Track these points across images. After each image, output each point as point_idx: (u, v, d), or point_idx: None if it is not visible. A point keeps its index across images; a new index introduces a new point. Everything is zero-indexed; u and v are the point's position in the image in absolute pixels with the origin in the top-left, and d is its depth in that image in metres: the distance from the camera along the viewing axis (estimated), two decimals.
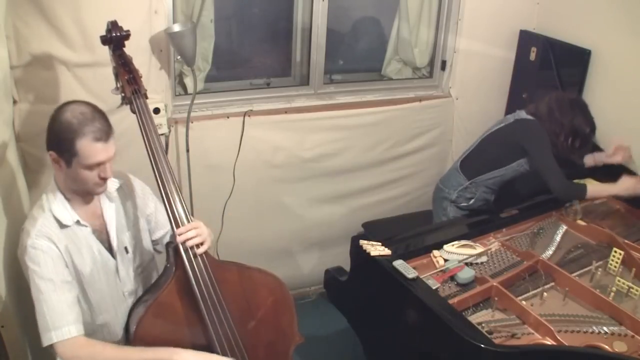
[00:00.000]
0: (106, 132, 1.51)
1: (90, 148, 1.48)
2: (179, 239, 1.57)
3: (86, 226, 1.61)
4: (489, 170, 2.52)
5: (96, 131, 1.49)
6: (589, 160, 2.64)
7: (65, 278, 1.53)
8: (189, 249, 1.58)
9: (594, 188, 2.35)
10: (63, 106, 1.53)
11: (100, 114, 1.53)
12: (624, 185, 2.38)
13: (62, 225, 1.56)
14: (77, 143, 1.48)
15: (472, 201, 2.59)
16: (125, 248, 1.70)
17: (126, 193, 1.74)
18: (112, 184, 1.67)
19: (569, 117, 2.37)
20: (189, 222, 1.61)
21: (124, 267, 1.70)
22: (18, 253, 1.56)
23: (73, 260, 1.58)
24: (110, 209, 1.68)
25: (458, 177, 2.60)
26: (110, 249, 1.67)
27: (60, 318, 1.49)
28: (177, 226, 1.59)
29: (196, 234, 1.59)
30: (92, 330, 1.64)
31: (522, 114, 2.48)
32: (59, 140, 1.49)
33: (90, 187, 1.56)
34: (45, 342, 1.49)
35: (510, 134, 2.48)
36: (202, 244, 1.60)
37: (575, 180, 2.55)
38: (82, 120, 1.48)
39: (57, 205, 1.57)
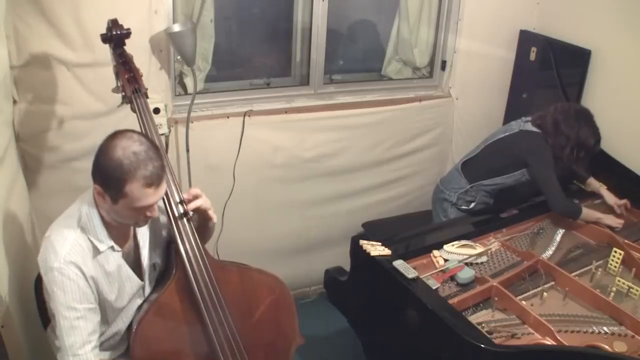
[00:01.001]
0: (159, 176, 1.41)
1: (140, 193, 1.39)
2: (189, 207, 1.59)
3: (119, 251, 1.56)
4: (491, 177, 2.51)
5: (149, 176, 1.38)
6: (593, 186, 2.61)
7: (89, 306, 1.47)
8: (189, 251, 1.57)
9: (586, 211, 2.35)
10: (115, 140, 1.39)
11: (154, 152, 1.41)
12: (610, 220, 2.38)
13: (96, 252, 1.50)
14: (127, 186, 1.38)
15: (472, 204, 2.58)
16: (154, 265, 1.67)
17: None
18: None
19: (575, 130, 2.34)
20: (188, 222, 1.60)
21: (149, 283, 1.67)
22: (41, 270, 1.48)
23: (99, 288, 1.52)
24: (144, 228, 1.62)
25: (459, 179, 2.59)
26: (139, 267, 1.62)
27: (79, 345, 1.45)
28: (179, 229, 1.58)
29: (202, 203, 1.61)
30: (106, 337, 1.62)
31: (527, 126, 2.46)
32: (106, 178, 1.39)
33: (133, 223, 1.52)
34: None
35: (514, 146, 2.46)
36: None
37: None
38: (134, 162, 1.36)
39: (95, 230, 1.49)
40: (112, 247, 1.53)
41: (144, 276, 1.63)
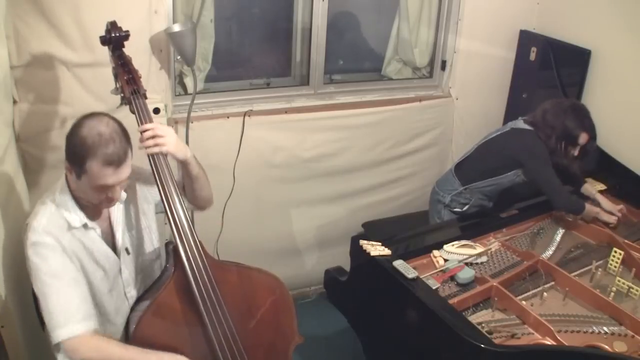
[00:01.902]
0: (119, 157, 1.45)
1: (99, 171, 1.44)
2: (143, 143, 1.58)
3: (94, 228, 1.59)
4: (484, 178, 2.48)
5: (109, 155, 1.43)
6: (589, 191, 2.56)
7: (72, 274, 1.50)
8: (188, 250, 1.57)
9: (588, 207, 2.34)
10: (84, 119, 1.47)
11: (119, 136, 1.46)
12: (606, 216, 2.38)
13: (70, 227, 1.54)
14: (87, 163, 1.43)
15: (466, 207, 2.56)
16: (127, 249, 1.68)
17: (131, 190, 1.72)
18: None
19: (561, 119, 2.31)
20: (187, 222, 1.60)
21: (126, 267, 1.68)
22: (25, 248, 1.51)
23: (84, 266, 1.55)
24: (118, 209, 1.65)
25: (453, 181, 2.58)
26: (114, 249, 1.65)
27: (68, 315, 1.45)
28: (178, 229, 1.58)
29: (153, 134, 1.56)
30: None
31: (519, 124, 2.44)
32: (71, 153, 1.47)
33: (97, 204, 1.54)
34: (54, 340, 1.46)
35: (506, 145, 2.43)
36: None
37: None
38: (96, 142, 1.43)
39: (66, 206, 1.53)
40: (85, 225, 1.56)
41: (119, 257, 1.65)
